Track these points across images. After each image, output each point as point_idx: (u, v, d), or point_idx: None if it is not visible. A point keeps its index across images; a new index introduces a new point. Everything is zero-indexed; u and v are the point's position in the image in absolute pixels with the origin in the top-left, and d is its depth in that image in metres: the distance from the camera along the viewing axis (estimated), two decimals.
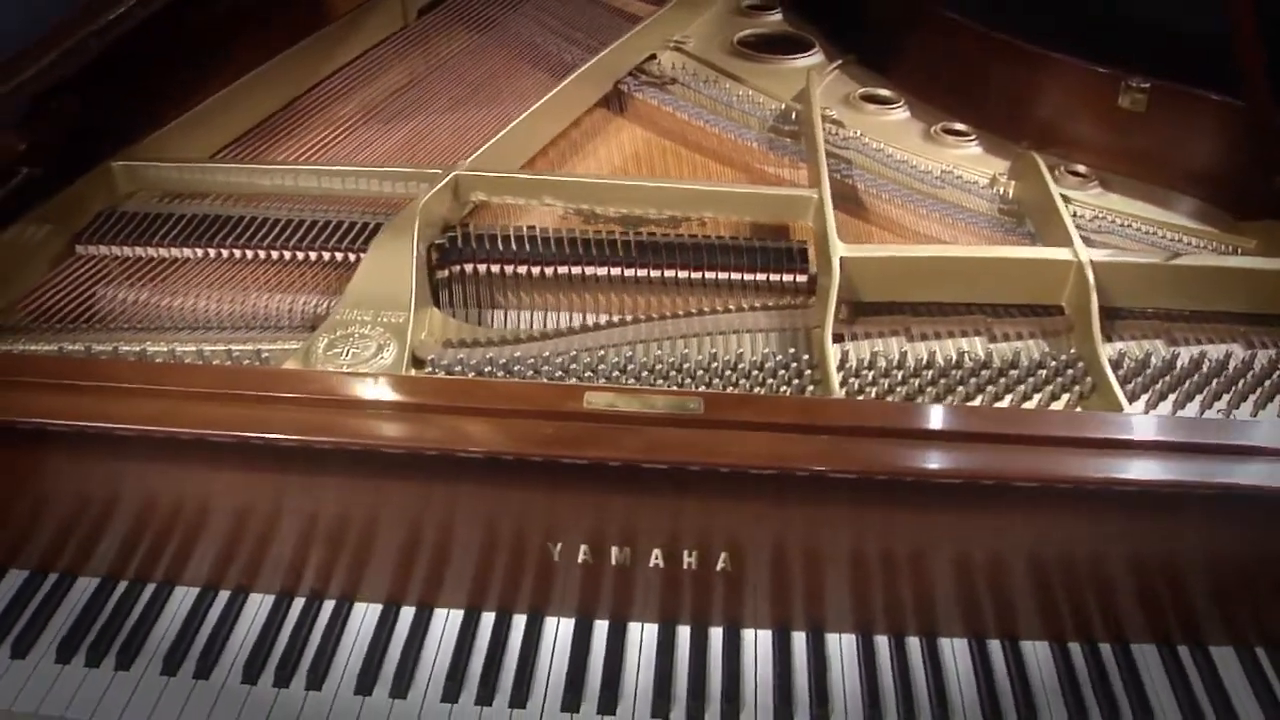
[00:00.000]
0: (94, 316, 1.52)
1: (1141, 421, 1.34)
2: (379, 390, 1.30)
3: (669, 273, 1.59)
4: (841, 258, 1.53)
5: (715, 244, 1.60)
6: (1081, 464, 1.23)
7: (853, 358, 1.46)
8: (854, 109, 1.99)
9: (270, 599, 1.40)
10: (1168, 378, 1.45)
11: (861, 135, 1.91)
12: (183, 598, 1.40)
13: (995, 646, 1.37)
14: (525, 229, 1.61)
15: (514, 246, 1.59)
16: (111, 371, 1.31)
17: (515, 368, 1.42)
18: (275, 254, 1.61)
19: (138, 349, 1.43)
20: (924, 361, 1.46)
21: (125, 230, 1.63)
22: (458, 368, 1.42)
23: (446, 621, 1.37)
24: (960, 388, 1.41)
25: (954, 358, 1.46)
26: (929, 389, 1.41)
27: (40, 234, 1.59)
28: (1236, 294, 1.57)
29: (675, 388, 1.39)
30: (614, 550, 1.32)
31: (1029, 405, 1.41)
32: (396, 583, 1.37)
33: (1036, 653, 1.37)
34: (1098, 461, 1.24)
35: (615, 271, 1.59)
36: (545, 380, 1.40)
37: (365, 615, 1.38)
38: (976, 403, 1.40)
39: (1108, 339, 1.53)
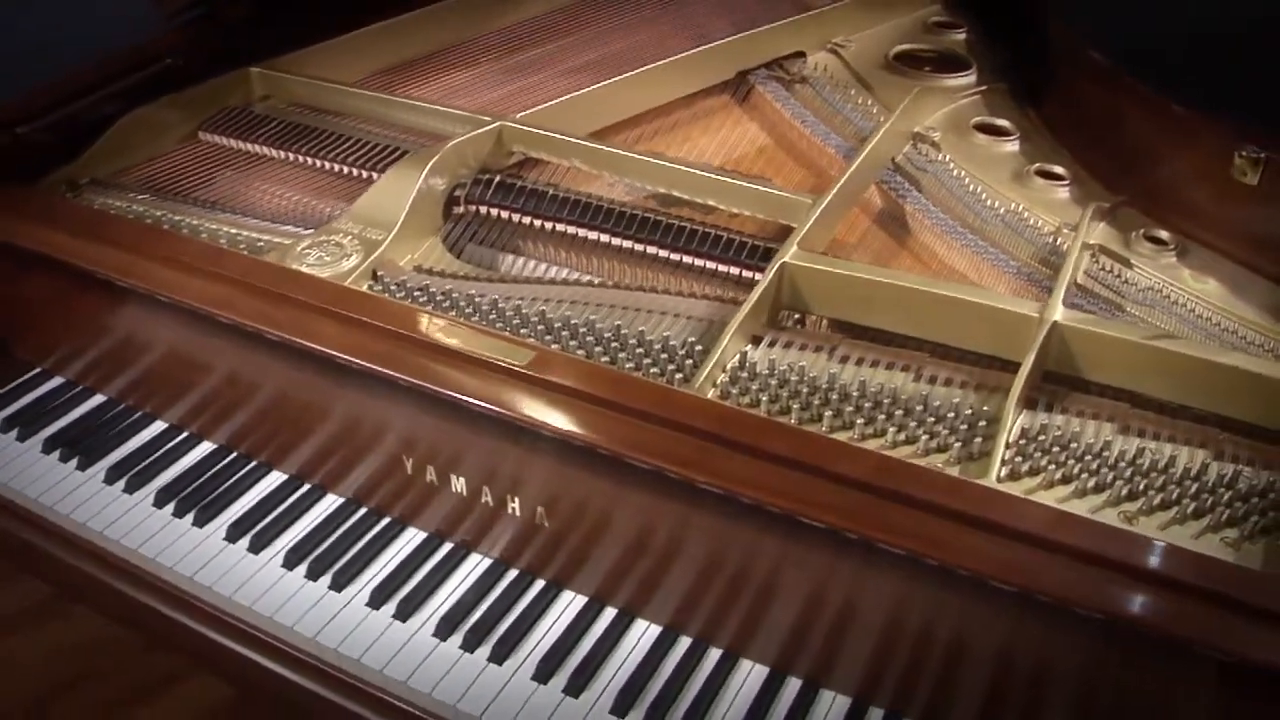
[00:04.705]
0: (178, 190, 1.81)
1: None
2: (276, 280, 1.47)
3: (648, 248, 1.64)
4: (782, 263, 1.50)
5: (690, 229, 1.62)
6: (837, 500, 1.19)
7: (751, 360, 1.44)
8: (960, 135, 1.89)
9: (211, 447, 1.64)
10: (1075, 464, 1.30)
11: (948, 160, 1.82)
12: (154, 430, 1.67)
13: (793, 684, 1.33)
14: (540, 185, 1.71)
15: (521, 199, 1.70)
16: (111, 229, 1.59)
17: (439, 298, 1.53)
18: (334, 166, 1.82)
19: (179, 218, 1.70)
20: (820, 381, 1.41)
21: (238, 125, 1.91)
22: (394, 287, 1.56)
23: (326, 504, 1.56)
24: (827, 413, 1.35)
25: (853, 385, 1.40)
26: (793, 408, 1.36)
27: (173, 117, 1.91)
28: (1232, 398, 1.36)
29: (560, 349, 1.43)
30: (454, 479, 1.42)
31: (899, 451, 1.32)
32: (298, 455, 1.58)
33: (833, 705, 1.31)
34: (861, 505, 1.18)
35: (604, 238, 1.66)
36: (452, 316, 1.50)
37: (270, 480, 1.60)
38: (843, 436, 1.34)
39: (1048, 409, 1.39)
